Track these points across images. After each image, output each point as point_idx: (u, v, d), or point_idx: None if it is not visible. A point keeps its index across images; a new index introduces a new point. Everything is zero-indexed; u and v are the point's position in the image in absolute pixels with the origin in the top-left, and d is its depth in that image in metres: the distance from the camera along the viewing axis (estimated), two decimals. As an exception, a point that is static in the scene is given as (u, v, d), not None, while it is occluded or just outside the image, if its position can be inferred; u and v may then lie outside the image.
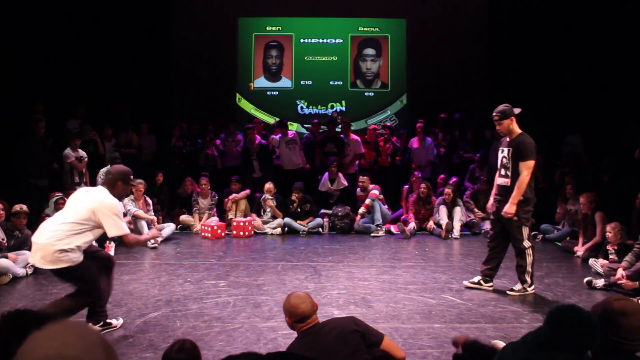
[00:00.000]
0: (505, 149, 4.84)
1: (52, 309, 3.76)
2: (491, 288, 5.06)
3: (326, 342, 2.57)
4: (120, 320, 4.18)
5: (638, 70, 8.48)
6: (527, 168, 4.66)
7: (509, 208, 4.70)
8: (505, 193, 4.84)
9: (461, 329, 4.02)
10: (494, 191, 5.10)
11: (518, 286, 4.96)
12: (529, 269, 4.88)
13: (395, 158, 9.32)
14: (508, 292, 4.96)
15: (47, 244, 3.68)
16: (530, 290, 4.92)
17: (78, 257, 3.76)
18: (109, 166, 7.77)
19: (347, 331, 2.61)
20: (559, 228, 7.46)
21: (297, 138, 9.13)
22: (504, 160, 4.86)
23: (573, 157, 8.61)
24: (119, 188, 3.99)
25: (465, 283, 5.14)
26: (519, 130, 4.81)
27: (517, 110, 4.80)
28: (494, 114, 4.84)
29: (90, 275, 3.87)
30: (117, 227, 3.80)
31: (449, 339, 3.82)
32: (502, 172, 4.90)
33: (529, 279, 4.91)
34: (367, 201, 7.95)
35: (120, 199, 4.13)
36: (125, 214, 7.20)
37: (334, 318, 2.90)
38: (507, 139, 4.84)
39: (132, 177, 4.15)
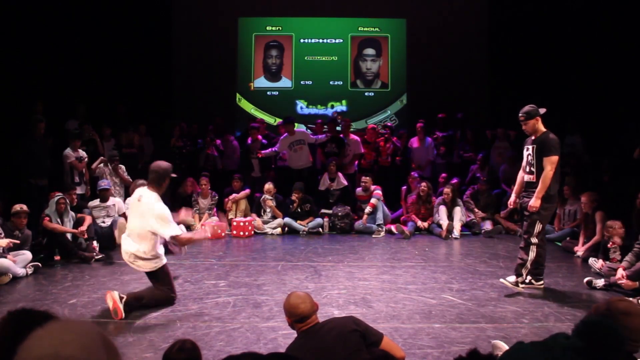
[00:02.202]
0: (530, 147, 4.94)
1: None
2: (542, 286, 5.07)
3: (326, 342, 2.56)
4: None
5: (638, 70, 8.47)
6: (550, 163, 4.75)
7: (534, 202, 4.79)
8: (530, 189, 4.94)
9: (461, 329, 4.02)
10: (516, 188, 5.17)
11: (512, 278, 4.98)
12: (528, 264, 4.92)
13: (395, 158, 9.32)
14: (501, 280, 5.01)
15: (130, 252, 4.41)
16: (521, 287, 4.93)
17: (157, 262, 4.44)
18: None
19: (346, 331, 2.60)
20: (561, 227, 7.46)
21: (305, 137, 8.92)
22: (529, 157, 4.96)
23: (573, 157, 8.61)
24: (165, 185, 4.45)
25: (502, 280, 5.07)
26: (543, 129, 4.91)
27: (542, 111, 4.89)
28: (520, 114, 4.92)
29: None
30: (171, 230, 4.29)
31: (449, 339, 3.83)
32: (527, 169, 5.00)
33: (524, 274, 4.94)
34: (373, 200, 7.97)
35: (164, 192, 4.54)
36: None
37: (334, 318, 2.89)
38: (532, 137, 4.94)
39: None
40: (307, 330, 2.67)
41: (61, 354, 0.95)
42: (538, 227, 4.86)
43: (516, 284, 4.94)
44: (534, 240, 4.88)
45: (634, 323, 2.01)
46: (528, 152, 4.98)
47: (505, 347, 3.28)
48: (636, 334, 2.01)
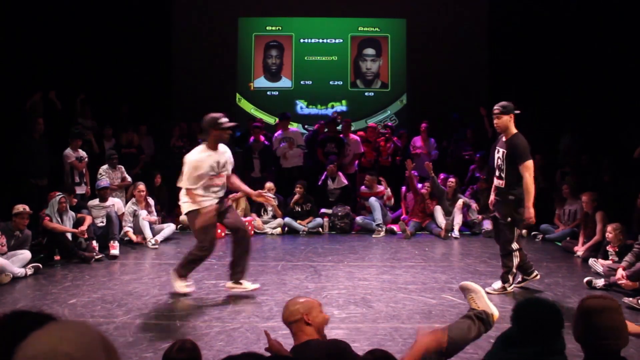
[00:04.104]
0: (501, 150, 4.83)
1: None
2: (538, 277, 5.08)
3: None
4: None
5: (638, 70, 8.47)
6: (526, 169, 4.63)
7: (528, 213, 4.66)
8: (500, 194, 4.85)
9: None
10: (493, 190, 5.09)
11: (498, 284, 4.96)
12: (514, 270, 4.90)
13: (395, 158, 9.32)
14: (487, 290, 4.95)
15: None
16: (509, 289, 4.93)
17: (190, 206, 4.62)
18: (106, 165, 7.84)
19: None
20: (559, 228, 7.46)
21: (296, 137, 8.97)
22: (499, 161, 4.85)
23: (569, 156, 8.61)
24: (212, 135, 4.57)
25: (488, 290, 4.97)
26: (514, 130, 4.78)
27: (516, 111, 4.79)
28: (495, 107, 4.81)
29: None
30: (183, 178, 4.56)
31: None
32: (497, 173, 4.90)
33: (511, 279, 4.93)
34: (387, 197, 8.07)
35: (221, 142, 4.68)
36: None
37: (326, 342, 2.47)
38: (503, 139, 4.83)
39: (223, 120, 4.61)
40: (294, 347, 2.44)
41: (58, 351, 0.96)
42: (516, 232, 4.81)
43: (504, 288, 4.92)
44: (515, 246, 4.82)
45: (604, 320, 1.95)
46: (498, 154, 4.85)
47: (475, 286, 2.94)
48: (611, 331, 1.94)
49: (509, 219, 4.77)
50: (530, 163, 4.65)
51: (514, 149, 4.68)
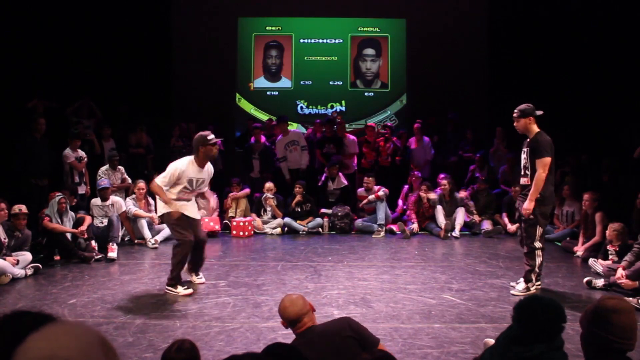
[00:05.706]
0: (525, 150, 4.93)
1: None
2: (540, 287, 5.06)
3: (316, 350, 2.50)
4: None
5: (638, 70, 8.47)
6: (542, 165, 4.72)
7: (527, 204, 4.77)
8: (526, 192, 4.93)
9: (461, 329, 4.02)
10: (519, 189, 5.17)
11: (522, 285, 4.96)
12: (536, 269, 4.89)
13: (395, 158, 9.31)
14: (512, 292, 4.96)
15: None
16: (532, 290, 4.92)
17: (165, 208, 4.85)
18: (106, 166, 7.83)
19: (339, 338, 2.56)
20: (558, 228, 7.46)
21: (299, 138, 8.93)
22: (524, 160, 4.95)
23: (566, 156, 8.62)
24: (201, 152, 4.82)
25: (513, 292, 5.00)
26: (536, 130, 4.88)
27: (538, 112, 4.87)
28: (514, 111, 4.93)
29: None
30: (159, 178, 4.80)
31: (449, 339, 3.83)
32: (522, 172, 5.00)
33: (534, 278, 4.92)
34: (380, 193, 7.99)
35: (209, 159, 4.95)
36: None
37: (329, 322, 2.79)
38: (528, 140, 4.93)
39: (209, 136, 4.82)
40: (300, 334, 2.65)
41: (57, 355, 0.95)
42: (539, 230, 4.83)
43: (527, 289, 4.91)
44: (538, 244, 4.84)
45: (623, 320, 2.01)
46: (524, 155, 4.97)
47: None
48: (626, 332, 2.01)
49: (532, 216, 4.81)
50: (547, 160, 4.73)
51: (535, 145, 4.79)
